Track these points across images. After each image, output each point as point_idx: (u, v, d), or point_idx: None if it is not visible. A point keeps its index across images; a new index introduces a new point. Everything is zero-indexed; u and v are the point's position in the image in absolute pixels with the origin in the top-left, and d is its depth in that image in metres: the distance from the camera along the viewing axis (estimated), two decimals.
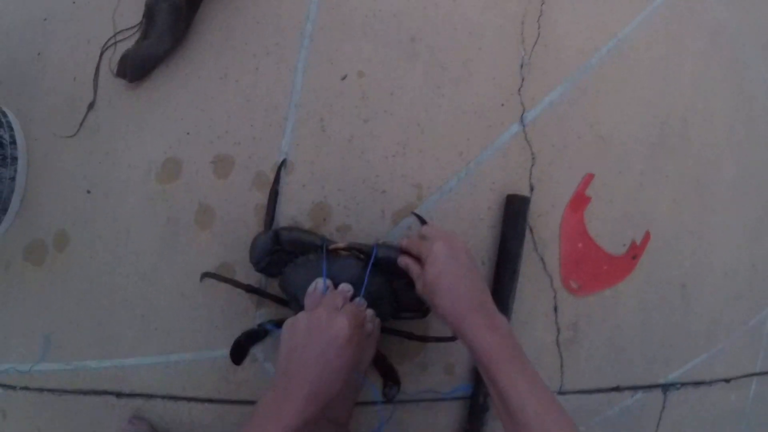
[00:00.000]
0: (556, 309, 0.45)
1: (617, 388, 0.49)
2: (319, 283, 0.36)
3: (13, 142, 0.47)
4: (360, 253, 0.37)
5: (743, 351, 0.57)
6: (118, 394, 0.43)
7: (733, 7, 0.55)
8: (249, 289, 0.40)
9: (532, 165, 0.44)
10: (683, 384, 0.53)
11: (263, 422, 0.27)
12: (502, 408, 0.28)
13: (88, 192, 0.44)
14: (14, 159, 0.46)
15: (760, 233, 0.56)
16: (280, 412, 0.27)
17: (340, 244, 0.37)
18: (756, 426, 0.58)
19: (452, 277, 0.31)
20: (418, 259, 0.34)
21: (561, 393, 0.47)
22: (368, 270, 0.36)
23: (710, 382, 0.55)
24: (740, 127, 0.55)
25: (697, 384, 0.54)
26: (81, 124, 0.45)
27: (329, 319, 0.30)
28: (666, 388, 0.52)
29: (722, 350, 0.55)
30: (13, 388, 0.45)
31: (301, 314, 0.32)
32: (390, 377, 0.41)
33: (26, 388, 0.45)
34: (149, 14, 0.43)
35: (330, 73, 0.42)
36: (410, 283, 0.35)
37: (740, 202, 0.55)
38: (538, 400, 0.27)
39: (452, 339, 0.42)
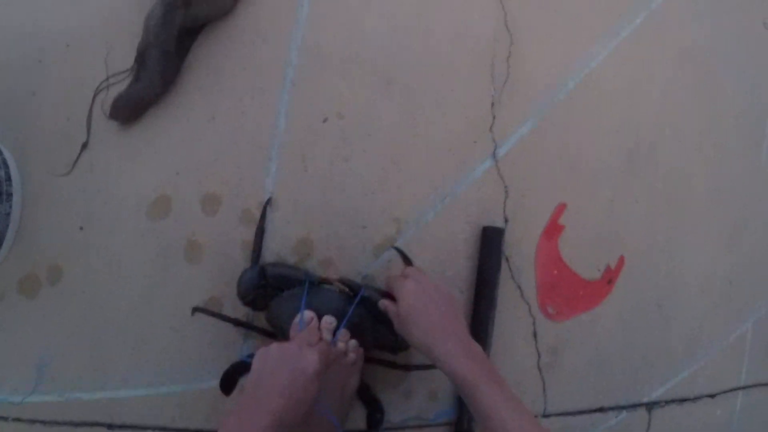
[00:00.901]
0: (535, 334, 0.47)
1: (601, 409, 0.50)
2: (305, 316, 0.37)
3: (9, 179, 0.48)
4: (347, 288, 0.39)
5: (726, 365, 0.58)
6: (110, 426, 0.44)
7: (700, 30, 0.57)
8: (237, 322, 0.42)
9: (506, 197, 0.47)
10: (667, 402, 0.54)
11: None
12: (485, 429, 0.29)
13: (81, 228, 0.46)
14: (9, 195, 0.48)
15: (732, 248, 0.58)
16: None
17: (332, 276, 0.40)
18: None
19: (422, 309, 0.33)
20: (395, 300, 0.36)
21: (545, 416, 0.48)
22: (353, 305, 0.38)
23: (695, 399, 0.56)
24: (709, 147, 0.58)
25: (682, 401, 0.55)
26: (75, 163, 0.47)
27: (300, 352, 0.32)
28: (650, 406, 0.53)
29: (704, 366, 0.56)
30: (5, 419, 0.46)
31: (274, 344, 0.33)
32: (374, 407, 0.42)
33: (18, 419, 0.45)
34: (140, 59, 0.46)
35: (311, 115, 0.45)
36: (390, 329, 0.37)
37: (711, 220, 0.57)
38: (519, 418, 0.28)
39: (434, 366, 0.43)
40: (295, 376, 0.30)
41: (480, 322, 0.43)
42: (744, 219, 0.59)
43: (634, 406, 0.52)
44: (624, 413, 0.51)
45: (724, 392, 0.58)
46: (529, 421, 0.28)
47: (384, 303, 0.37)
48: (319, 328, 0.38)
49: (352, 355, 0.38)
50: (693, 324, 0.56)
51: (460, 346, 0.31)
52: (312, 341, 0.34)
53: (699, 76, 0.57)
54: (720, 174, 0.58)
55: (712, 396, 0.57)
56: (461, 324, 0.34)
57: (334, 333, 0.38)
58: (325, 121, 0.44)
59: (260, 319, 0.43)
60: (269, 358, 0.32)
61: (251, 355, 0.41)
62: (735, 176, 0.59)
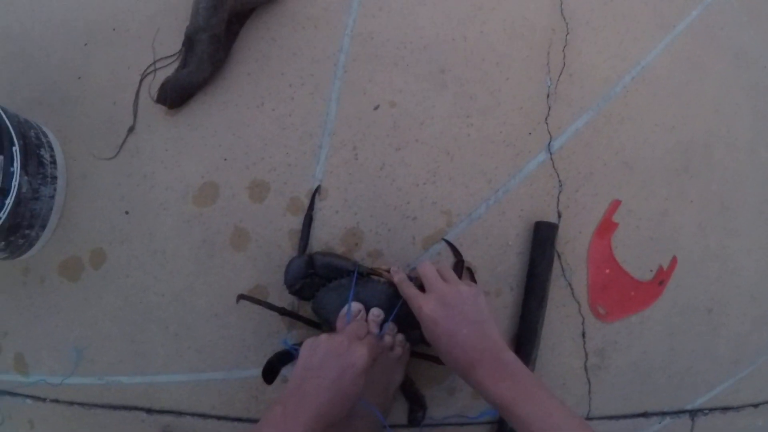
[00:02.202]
0: (584, 334, 0.46)
1: (644, 414, 0.49)
2: (352, 307, 0.37)
3: (53, 162, 0.49)
4: None
5: None
6: (149, 410, 0.44)
7: (754, 30, 0.55)
8: (282, 311, 0.41)
9: (560, 192, 0.45)
10: (711, 409, 0.52)
11: None
12: None
13: (126, 213, 0.46)
14: (54, 178, 0.48)
15: None
16: (287, 428, 0.27)
17: (383, 267, 0.38)
18: None
19: (448, 339, 0.31)
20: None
21: (589, 418, 0.46)
22: (401, 298, 0.36)
23: (738, 408, 0.54)
24: (763, 150, 0.55)
25: (725, 409, 0.53)
26: (120, 147, 0.47)
27: (349, 346, 0.31)
28: (693, 413, 0.51)
29: (750, 375, 0.54)
30: (43, 400, 0.46)
31: (322, 336, 0.32)
32: (416, 402, 0.41)
33: (56, 401, 0.46)
34: (189, 43, 0.45)
35: (363, 103, 0.44)
36: None
37: (764, 226, 0.55)
38: (567, 425, 0.26)
39: None
40: (344, 370, 0.30)
41: (529, 320, 0.42)
42: None
43: (678, 413, 0.51)
44: (667, 419, 0.50)
45: (767, 402, 0.56)
46: (576, 425, 0.27)
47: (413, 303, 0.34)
48: (366, 321, 0.37)
49: (398, 350, 0.38)
50: (741, 331, 0.54)
51: (491, 367, 0.30)
52: (360, 334, 0.34)
53: (753, 75, 0.55)
54: None
55: (755, 406, 0.55)
56: (491, 335, 0.32)
57: (381, 326, 0.37)
58: (376, 108, 0.43)
59: (306, 309, 0.42)
60: (318, 349, 0.31)
61: (295, 345, 0.41)
62: None
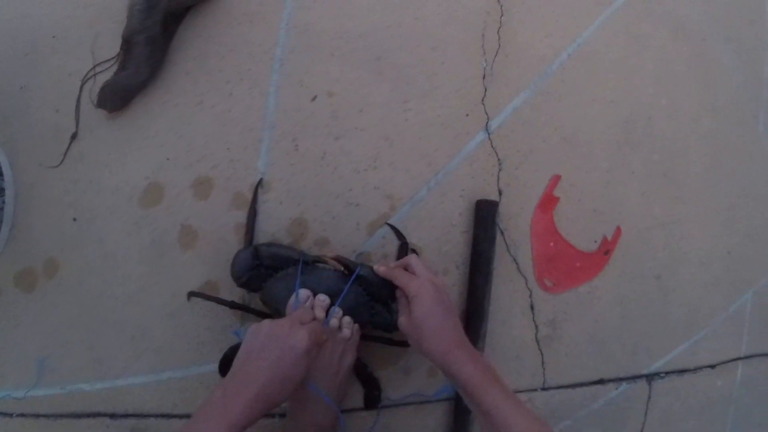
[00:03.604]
0: (532, 307, 0.47)
1: (601, 381, 0.50)
2: (300, 294, 0.37)
3: (1, 174, 0.48)
4: (343, 267, 0.39)
5: (726, 336, 0.58)
6: (112, 415, 0.44)
7: (692, 3, 0.57)
8: (232, 305, 0.41)
9: (500, 170, 0.46)
10: (667, 373, 0.54)
11: (208, 417, 0.28)
12: (486, 425, 0.30)
13: (75, 219, 0.46)
14: (2, 190, 0.48)
15: (732, 220, 0.58)
16: (226, 408, 0.28)
17: (329, 254, 0.39)
18: (744, 410, 0.59)
19: (439, 319, 0.34)
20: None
21: (544, 389, 0.48)
22: (349, 284, 0.38)
23: (695, 369, 0.56)
24: (706, 118, 0.57)
25: (682, 372, 0.55)
26: (65, 154, 0.46)
27: (290, 329, 0.32)
28: (650, 378, 0.53)
29: (705, 337, 0.56)
30: (10, 415, 0.46)
31: (265, 321, 0.34)
32: (371, 384, 0.42)
33: (22, 415, 0.46)
34: (126, 46, 0.45)
35: (301, 95, 0.44)
36: (385, 307, 0.38)
37: (711, 191, 0.56)
38: (522, 417, 0.29)
39: None
40: (284, 352, 0.31)
41: (476, 296, 0.43)
42: (742, 191, 0.58)
43: (634, 378, 0.52)
44: (624, 385, 0.52)
45: (725, 363, 0.58)
46: (527, 416, 0.29)
47: (400, 297, 0.37)
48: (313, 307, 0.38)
49: (346, 331, 0.38)
50: (693, 296, 0.55)
51: (468, 353, 0.33)
52: (305, 320, 0.35)
53: (693, 46, 0.56)
54: (717, 146, 0.57)
55: (712, 366, 0.57)
56: (463, 332, 0.35)
57: (327, 311, 0.38)
58: (314, 99, 0.44)
59: (256, 301, 0.43)
60: (259, 333, 0.32)
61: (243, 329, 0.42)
62: (732, 148, 0.58)
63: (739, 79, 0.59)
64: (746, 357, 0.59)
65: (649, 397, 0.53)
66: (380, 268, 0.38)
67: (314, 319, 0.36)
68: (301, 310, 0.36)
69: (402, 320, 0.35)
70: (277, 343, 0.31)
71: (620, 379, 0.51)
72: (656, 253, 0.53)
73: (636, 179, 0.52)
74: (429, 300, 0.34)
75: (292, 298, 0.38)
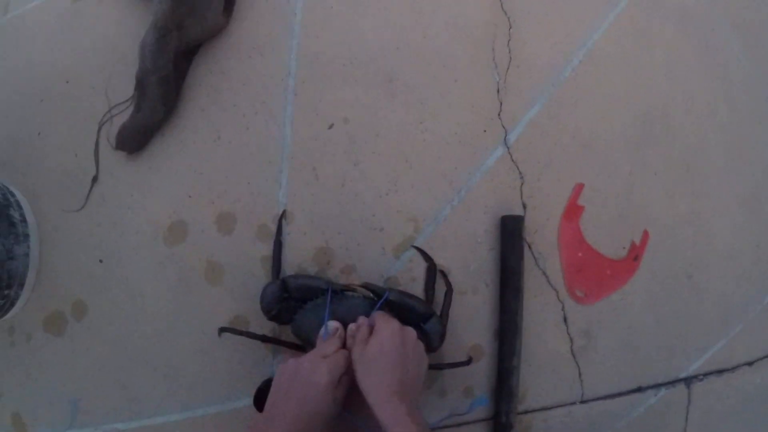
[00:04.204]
0: (565, 320, 0.46)
1: (639, 389, 0.49)
2: (330, 326, 0.37)
3: (24, 220, 0.49)
4: (371, 293, 0.39)
5: (761, 331, 0.56)
6: None
7: None
8: (264, 339, 0.41)
9: (522, 184, 0.46)
10: (706, 374, 0.52)
11: None
12: None
13: (101, 261, 0.46)
14: (26, 236, 0.48)
15: (756, 210, 0.56)
16: None
17: (356, 282, 0.39)
18: None
19: (392, 363, 0.32)
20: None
21: (583, 402, 0.47)
22: (377, 307, 0.37)
23: (732, 368, 0.54)
24: (722, 108, 0.56)
25: (720, 372, 0.53)
26: (87, 198, 0.47)
27: (312, 365, 0.32)
28: (689, 381, 0.52)
29: (740, 333, 0.54)
30: None
31: (291, 360, 0.34)
32: None
33: None
34: (140, 87, 0.46)
35: (317, 123, 0.44)
36: (417, 330, 0.37)
37: (732, 182, 0.55)
38: None
39: (467, 363, 0.42)
40: (307, 389, 0.31)
41: (509, 313, 0.43)
42: (765, 179, 0.57)
43: (673, 383, 0.51)
44: (663, 390, 0.50)
45: (762, 359, 0.56)
46: None
47: (360, 326, 0.35)
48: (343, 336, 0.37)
49: None
50: (725, 291, 0.54)
51: (408, 408, 0.31)
52: (327, 352, 0.35)
53: (702, 37, 0.55)
54: (735, 135, 0.56)
55: (750, 364, 0.55)
56: (416, 392, 0.34)
57: None
58: (330, 127, 0.44)
59: (287, 333, 0.43)
60: (285, 372, 0.33)
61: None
62: (751, 137, 0.57)
63: (750, 65, 0.58)
64: None
65: (689, 401, 0.52)
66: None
67: (339, 349, 0.36)
68: (325, 344, 0.36)
69: (356, 350, 0.34)
70: (300, 381, 0.32)
71: (659, 385, 0.50)
72: (685, 251, 0.52)
73: (658, 179, 0.51)
74: (389, 340, 0.33)
75: (323, 329, 0.38)
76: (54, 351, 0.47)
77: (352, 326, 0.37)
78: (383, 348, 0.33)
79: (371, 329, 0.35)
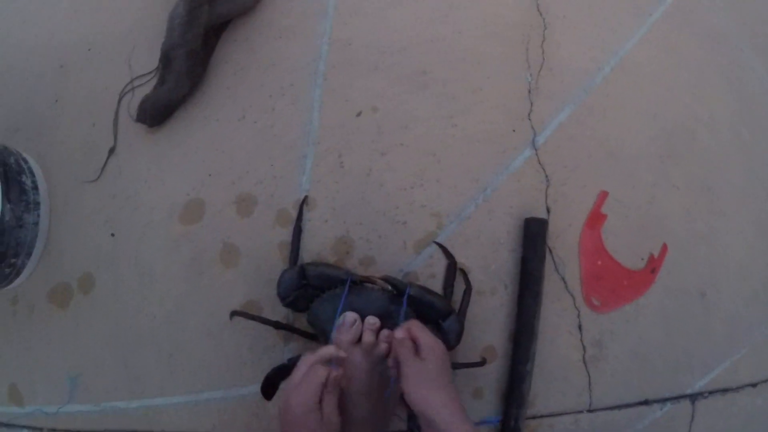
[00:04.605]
0: (580, 327, 0.46)
1: (646, 402, 0.49)
2: (348, 317, 0.36)
3: (35, 188, 0.48)
4: (392, 287, 0.38)
5: (766, 353, 0.57)
6: None
7: (728, 13, 0.56)
8: (277, 325, 0.40)
9: (547, 187, 0.45)
10: (711, 392, 0.53)
11: None
12: None
13: (112, 235, 0.45)
14: (37, 204, 0.47)
15: None
16: None
17: (376, 275, 0.38)
18: None
19: (447, 379, 0.33)
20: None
21: (590, 411, 0.46)
22: (403, 305, 0.36)
23: (737, 388, 0.54)
24: (745, 130, 0.56)
25: (725, 391, 0.53)
26: (102, 169, 0.46)
27: (285, 403, 0.32)
28: (694, 398, 0.52)
29: (746, 354, 0.54)
30: (40, 429, 0.45)
31: (289, 388, 0.33)
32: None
33: (53, 430, 0.45)
34: (166, 60, 0.45)
35: (345, 110, 0.44)
36: (435, 326, 0.36)
37: (749, 204, 0.55)
38: None
39: (480, 364, 0.42)
40: (296, 419, 0.31)
41: (526, 316, 0.42)
42: None
43: (678, 398, 0.51)
44: (668, 405, 0.50)
45: (766, 381, 0.56)
46: None
47: (401, 342, 0.34)
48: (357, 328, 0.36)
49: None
50: (734, 312, 0.54)
51: (465, 415, 0.31)
52: (348, 341, 0.34)
53: (729, 57, 0.56)
54: (755, 157, 0.56)
55: (753, 385, 0.55)
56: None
57: (377, 333, 0.37)
58: (359, 115, 0.43)
59: (301, 321, 0.42)
60: (281, 404, 0.32)
61: (292, 359, 0.41)
62: None
63: None
64: None
65: (693, 418, 0.52)
66: (393, 340, 0.36)
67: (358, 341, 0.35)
68: (341, 335, 0.35)
69: (407, 366, 0.33)
70: (289, 414, 0.32)
71: (664, 400, 0.50)
72: (700, 268, 0.52)
73: (679, 194, 0.51)
74: (442, 357, 0.34)
75: (340, 319, 0.37)
76: (57, 324, 0.45)
77: (369, 319, 0.37)
78: (438, 364, 0.33)
79: (413, 340, 0.34)
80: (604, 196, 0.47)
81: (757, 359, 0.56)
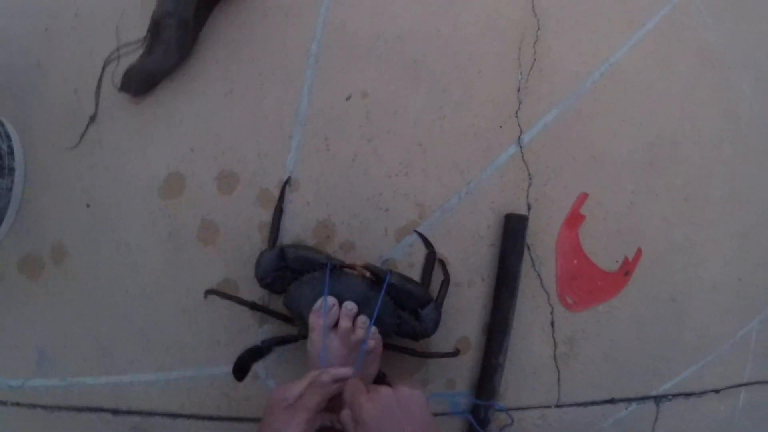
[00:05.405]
0: (552, 324, 0.47)
1: (612, 401, 0.51)
2: (327, 301, 0.36)
3: (11, 153, 0.46)
4: (372, 274, 0.38)
5: (732, 362, 0.59)
6: (115, 411, 0.43)
7: (719, 31, 0.57)
8: (253, 306, 0.40)
9: (529, 185, 0.46)
10: (675, 395, 0.54)
11: None
12: None
13: (88, 206, 0.44)
14: (11, 170, 0.46)
15: (745, 247, 0.59)
16: None
17: (358, 262, 0.38)
18: None
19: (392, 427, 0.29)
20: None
21: (558, 406, 0.48)
22: (381, 295, 0.36)
23: (700, 393, 0.56)
24: (727, 146, 0.58)
25: (688, 395, 0.55)
26: (82, 137, 0.44)
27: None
28: (658, 399, 0.53)
29: (712, 361, 0.56)
30: (4, 403, 0.44)
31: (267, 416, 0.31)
32: None
33: (17, 404, 0.44)
34: (155, 29, 0.44)
35: (335, 93, 0.43)
36: (413, 314, 0.36)
37: (727, 218, 0.57)
38: None
39: (454, 354, 0.42)
40: None
41: (501, 310, 0.43)
42: (757, 219, 0.59)
43: (643, 399, 0.53)
44: (634, 405, 0.52)
45: (728, 388, 0.58)
46: None
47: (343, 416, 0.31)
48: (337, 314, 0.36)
49: (371, 342, 0.37)
50: (704, 320, 0.56)
51: None
52: (327, 325, 0.34)
53: (717, 74, 0.57)
54: (736, 173, 0.58)
55: (717, 391, 0.58)
56: None
57: (354, 319, 0.37)
58: (348, 98, 0.43)
59: (276, 303, 0.42)
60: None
61: (266, 341, 0.41)
62: (751, 177, 0.59)
63: (759, 108, 0.60)
64: (749, 383, 0.60)
65: (656, 419, 0.54)
66: (345, 381, 0.32)
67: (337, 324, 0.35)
68: (319, 319, 0.35)
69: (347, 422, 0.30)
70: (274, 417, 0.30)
71: (630, 399, 0.51)
72: (674, 276, 0.53)
73: (659, 202, 0.52)
74: (373, 422, 0.28)
75: (318, 303, 0.37)
76: (26, 294, 0.44)
77: (347, 305, 0.37)
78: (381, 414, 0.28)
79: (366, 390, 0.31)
80: (584, 197, 0.47)
81: (722, 367, 0.58)
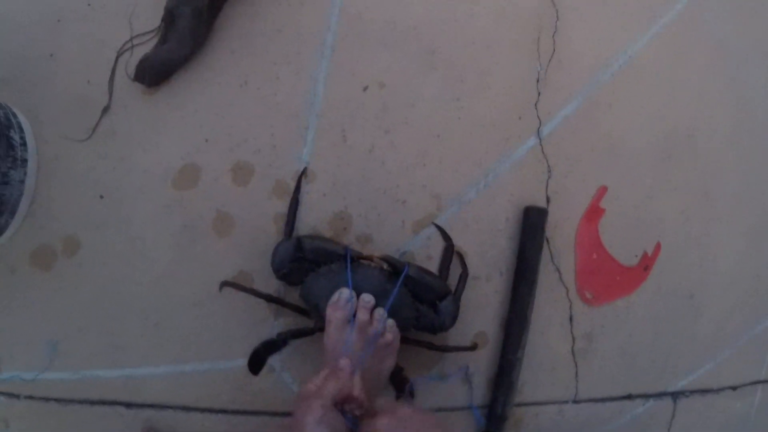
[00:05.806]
0: (571, 319, 0.46)
1: (629, 396, 0.50)
2: (344, 293, 0.36)
3: (24, 144, 0.46)
4: (389, 266, 0.38)
5: (749, 358, 0.58)
6: (128, 405, 0.42)
7: (735, 24, 0.56)
8: (269, 298, 0.40)
9: (549, 177, 0.45)
10: (692, 392, 0.54)
11: None
12: None
13: (101, 197, 0.43)
14: (24, 161, 0.45)
15: (762, 242, 0.58)
16: None
17: (375, 254, 0.38)
18: None
19: None
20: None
21: (575, 402, 0.47)
22: (398, 285, 0.36)
23: (717, 390, 0.56)
24: (743, 138, 0.57)
25: (705, 392, 0.55)
26: (95, 128, 0.44)
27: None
28: (675, 396, 0.53)
29: (729, 358, 0.56)
30: (17, 396, 0.44)
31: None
32: (404, 389, 0.41)
33: (30, 397, 0.43)
34: (169, 18, 0.43)
35: (351, 84, 0.43)
36: (431, 307, 0.36)
37: (743, 211, 0.56)
38: None
39: (472, 348, 0.42)
40: None
41: (520, 305, 0.42)
42: None
43: (661, 395, 0.52)
44: (651, 401, 0.51)
45: (745, 385, 0.58)
46: None
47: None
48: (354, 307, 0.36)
49: (388, 335, 0.37)
50: (721, 316, 0.55)
51: None
52: (342, 318, 0.33)
53: (734, 67, 0.56)
54: (751, 167, 0.57)
55: (734, 388, 0.57)
56: None
57: (372, 311, 0.36)
58: (365, 89, 0.42)
59: (292, 296, 0.41)
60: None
61: (282, 334, 0.40)
62: (765, 170, 0.58)
63: None
64: (766, 381, 0.60)
65: (673, 415, 0.53)
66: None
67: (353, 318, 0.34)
68: (337, 312, 0.34)
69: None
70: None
71: (647, 396, 0.51)
72: (691, 271, 0.52)
73: (677, 196, 0.51)
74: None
75: (335, 296, 0.36)
76: (39, 287, 0.44)
77: (364, 297, 0.36)
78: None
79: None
80: (603, 190, 0.47)
81: (739, 363, 0.58)
